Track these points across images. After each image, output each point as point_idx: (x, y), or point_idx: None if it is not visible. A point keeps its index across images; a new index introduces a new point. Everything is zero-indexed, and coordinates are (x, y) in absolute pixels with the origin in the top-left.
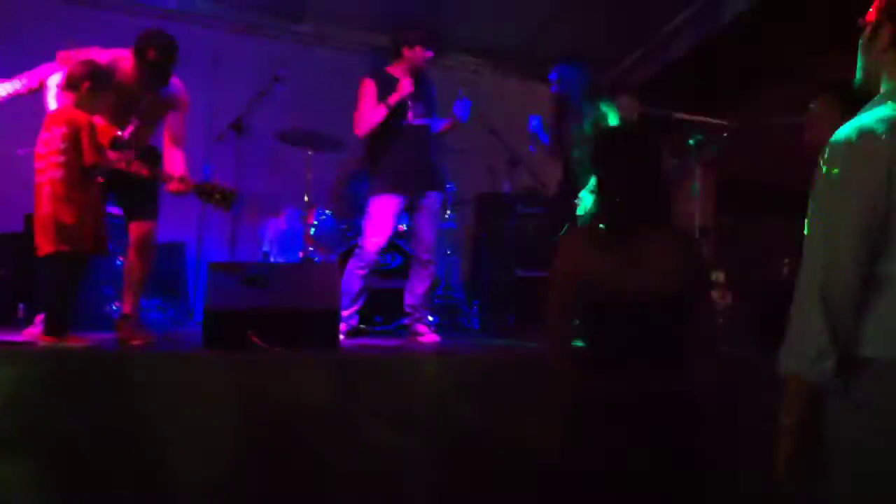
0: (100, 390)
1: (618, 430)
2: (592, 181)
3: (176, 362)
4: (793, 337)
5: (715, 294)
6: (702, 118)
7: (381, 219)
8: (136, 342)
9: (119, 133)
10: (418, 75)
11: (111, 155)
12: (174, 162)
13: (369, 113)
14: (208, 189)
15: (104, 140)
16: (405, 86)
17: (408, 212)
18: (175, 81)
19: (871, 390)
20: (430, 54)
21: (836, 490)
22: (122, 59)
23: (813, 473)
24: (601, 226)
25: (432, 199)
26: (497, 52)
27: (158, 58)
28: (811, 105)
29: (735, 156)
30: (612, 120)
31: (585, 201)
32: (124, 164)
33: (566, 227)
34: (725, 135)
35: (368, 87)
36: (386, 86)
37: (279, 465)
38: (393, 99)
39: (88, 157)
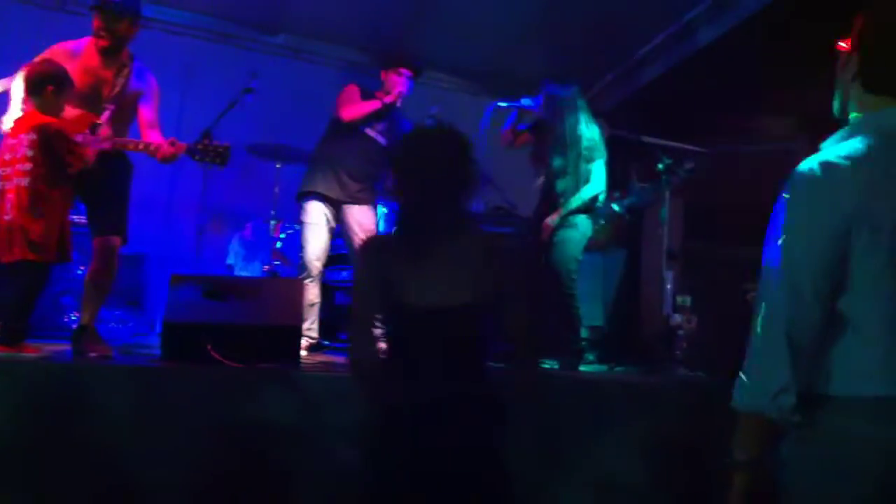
0: (53, 402)
1: (411, 432)
2: (574, 200)
3: (131, 375)
4: (752, 371)
5: (681, 317)
6: (672, 143)
7: (312, 221)
8: (92, 354)
9: (95, 119)
10: (395, 102)
11: (90, 149)
12: (156, 139)
13: (363, 103)
14: (202, 148)
15: (81, 129)
16: (393, 95)
17: (340, 235)
18: (143, 67)
19: (829, 427)
20: (411, 84)
21: None
22: (85, 42)
23: None
24: (398, 231)
25: (364, 213)
26: (470, 71)
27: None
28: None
29: (704, 181)
30: (586, 130)
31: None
32: (109, 145)
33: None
34: (695, 161)
35: (353, 89)
36: (367, 97)
37: (235, 481)
38: (388, 98)
39: (73, 161)
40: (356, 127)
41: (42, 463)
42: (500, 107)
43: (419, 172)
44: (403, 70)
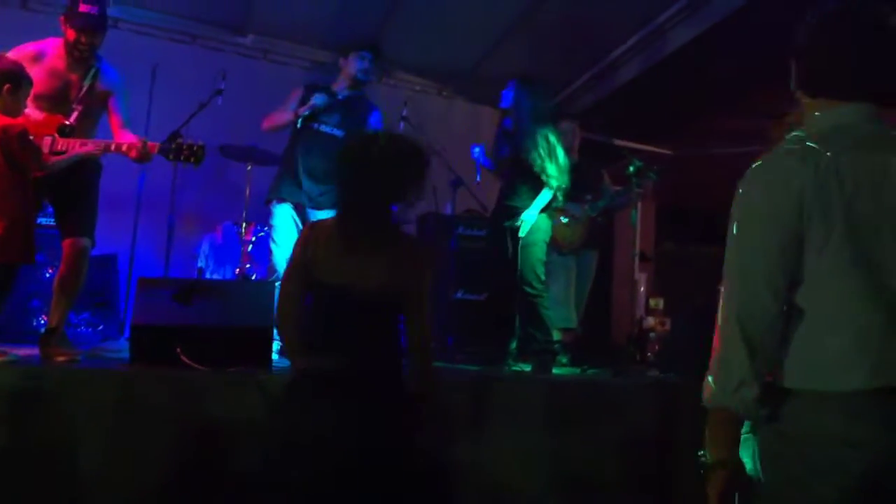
0: (20, 406)
1: (324, 403)
2: (539, 200)
3: (99, 379)
4: (714, 367)
5: (654, 319)
6: (642, 146)
7: (279, 224)
8: (60, 358)
9: (64, 120)
10: (354, 89)
11: (68, 154)
12: (128, 139)
13: (278, 113)
14: (176, 147)
15: (49, 131)
16: (316, 98)
17: None
18: (109, 67)
19: (793, 420)
20: (365, 65)
21: None
22: (51, 44)
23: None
24: (333, 220)
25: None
26: (443, 73)
27: (90, 7)
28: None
29: (676, 184)
30: (553, 143)
31: (527, 222)
32: (89, 149)
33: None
34: (663, 165)
35: (294, 93)
36: (309, 98)
37: (204, 486)
38: (301, 109)
39: (33, 167)
40: (309, 126)
41: (6, 467)
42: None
43: (356, 172)
44: (364, 52)
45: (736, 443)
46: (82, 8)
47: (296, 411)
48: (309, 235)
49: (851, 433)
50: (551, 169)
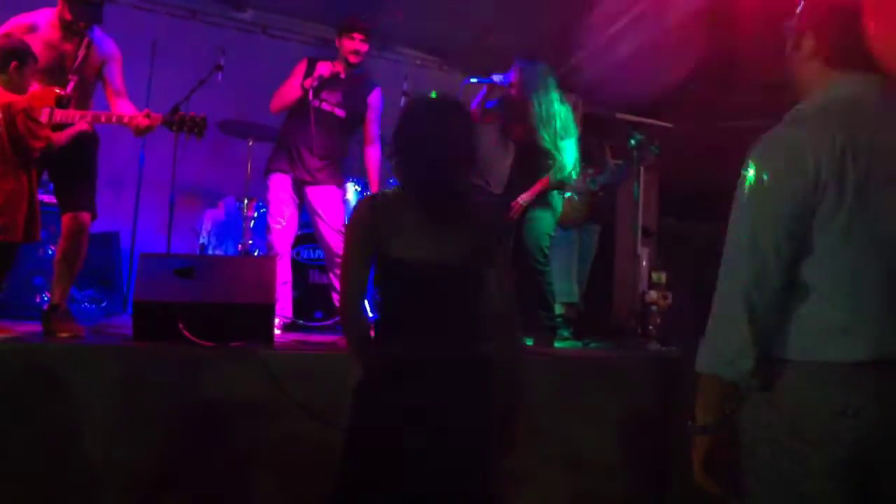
0: (23, 383)
1: (404, 393)
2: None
3: (102, 355)
4: (713, 336)
5: (656, 293)
6: (644, 120)
7: (277, 199)
8: (63, 334)
9: (60, 91)
10: (352, 68)
11: (68, 131)
12: (126, 109)
13: (285, 89)
14: (178, 119)
15: (47, 103)
16: (320, 68)
17: (308, 214)
18: (102, 35)
19: (787, 391)
20: (362, 47)
21: (751, 488)
22: (44, 16)
23: (728, 472)
24: (401, 192)
25: (327, 195)
26: (442, 47)
27: None
28: None
29: (678, 158)
30: (559, 108)
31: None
32: (86, 123)
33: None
34: (662, 138)
35: (299, 66)
36: (314, 71)
37: (207, 461)
38: (308, 81)
39: (36, 143)
40: (309, 102)
41: (11, 444)
42: (471, 82)
43: (429, 140)
44: (355, 34)
45: (725, 411)
46: None
47: (376, 413)
48: (372, 211)
49: (848, 404)
50: (567, 149)
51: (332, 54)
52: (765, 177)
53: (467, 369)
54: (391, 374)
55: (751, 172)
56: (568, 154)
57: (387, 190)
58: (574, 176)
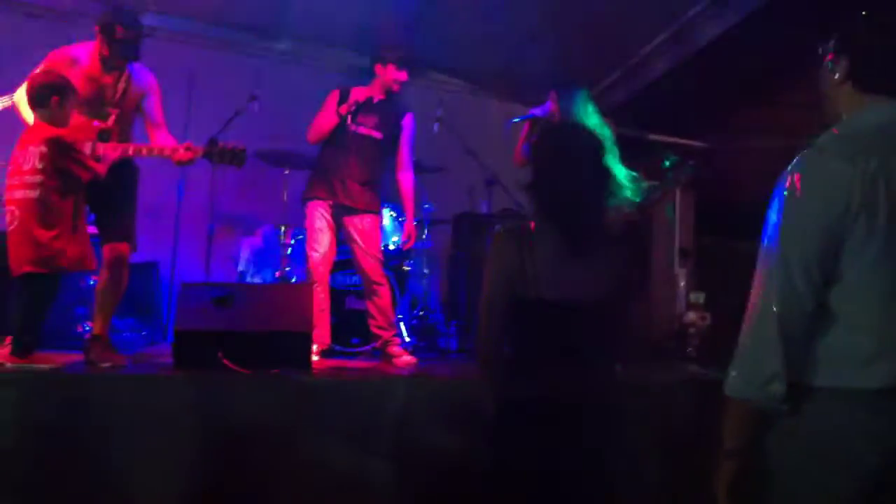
0: (67, 413)
1: (541, 431)
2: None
3: (144, 384)
4: (744, 359)
5: (695, 314)
6: (677, 140)
7: (315, 226)
8: (105, 364)
9: (102, 125)
10: (388, 94)
11: (108, 160)
12: (166, 141)
13: (321, 119)
14: (218, 150)
15: (89, 136)
16: (354, 93)
17: (345, 242)
18: (141, 67)
19: (815, 417)
20: (402, 76)
21: None
22: (85, 49)
23: (753, 498)
24: (538, 224)
25: (364, 221)
26: (475, 72)
27: (126, 34)
28: None
29: (714, 177)
30: (602, 130)
31: None
32: (130, 152)
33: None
34: (697, 158)
35: (331, 97)
36: (348, 98)
37: (249, 488)
38: (343, 108)
39: (82, 175)
40: (345, 127)
41: (55, 474)
42: (514, 122)
43: (568, 167)
44: (399, 64)
45: (753, 435)
46: (118, 33)
47: (512, 457)
48: (512, 243)
49: (873, 429)
50: (618, 169)
51: (363, 82)
52: (795, 203)
53: (606, 410)
54: (529, 416)
55: (783, 197)
56: (620, 174)
57: (526, 222)
58: (631, 194)
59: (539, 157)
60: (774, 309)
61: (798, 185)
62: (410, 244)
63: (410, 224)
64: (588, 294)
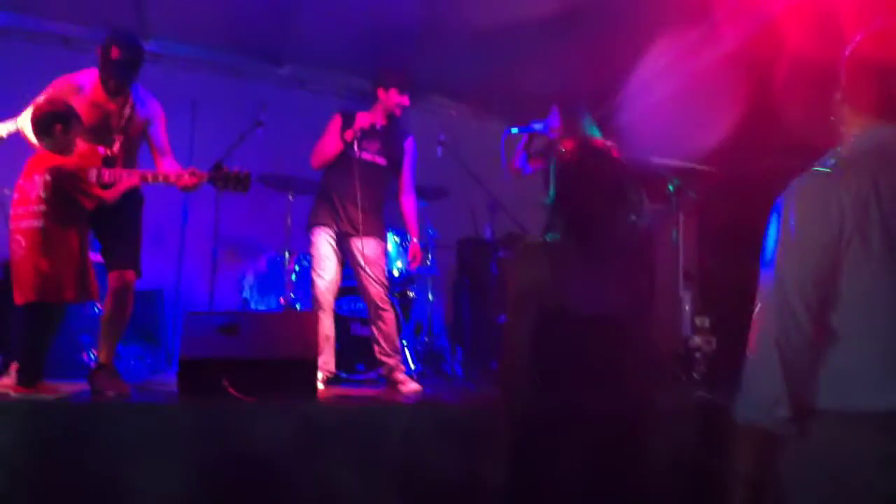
0: (72, 442)
1: (568, 448)
2: None
3: (150, 413)
4: (749, 384)
5: (700, 338)
6: (682, 164)
7: (320, 253)
8: (110, 392)
9: (106, 151)
10: (390, 119)
11: (116, 188)
12: (171, 167)
13: (325, 145)
14: (223, 176)
15: (94, 163)
16: (359, 119)
17: (351, 267)
18: (146, 93)
19: (826, 441)
20: (404, 100)
21: None
22: (89, 76)
23: None
24: (560, 239)
25: (368, 248)
26: (477, 95)
27: (122, 56)
28: None
29: (718, 200)
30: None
31: None
32: (136, 180)
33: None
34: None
35: (334, 122)
36: (352, 123)
37: None
38: (348, 134)
39: (87, 203)
40: (348, 154)
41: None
42: (511, 133)
43: (589, 187)
44: (401, 88)
45: (763, 459)
46: (113, 53)
47: (536, 476)
48: (533, 259)
49: (885, 452)
50: None
51: (363, 106)
52: (791, 226)
53: (629, 427)
54: (552, 436)
55: (777, 220)
56: None
57: (548, 239)
58: None
59: (562, 178)
60: (773, 332)
61: (792, 208)
62: (416, 264)
63: (416, 245)
64: (608, 310)
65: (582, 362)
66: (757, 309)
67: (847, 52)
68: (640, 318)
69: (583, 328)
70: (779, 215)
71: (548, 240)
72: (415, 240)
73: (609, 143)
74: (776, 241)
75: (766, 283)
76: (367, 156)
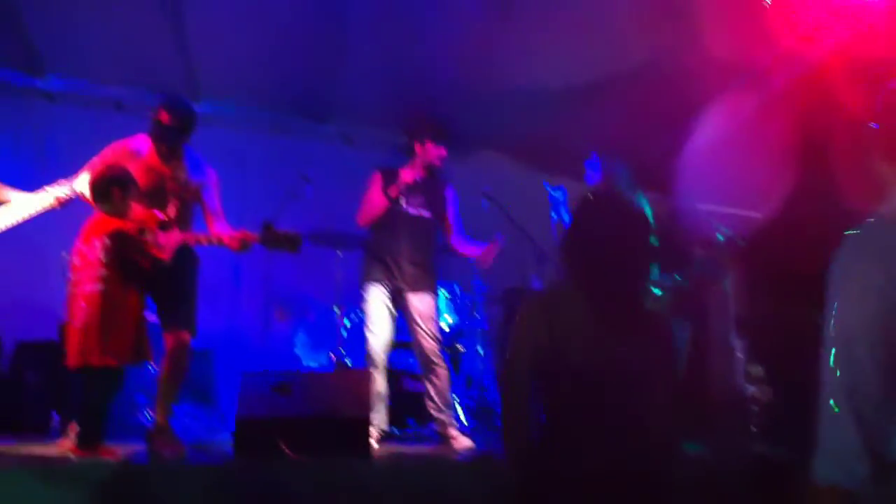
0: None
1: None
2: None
3: (206, 474)
4: (825, 444)
5: (754, 388)
6: (728, 209)
7: (374, 309)
8: (167, 453)
9: (163, 215)
10: (431, 171)
11: (168, 249)
12: (224, 229)
13: (371, 203)
14: (273, 236)
15: (150, 227)
16: (403, 175)
17: (404, 322)
18: (200, 158)
19: None
20: (442, 151)
21: None
22: (145, 141)
23: None
24: (570, 294)
25: (421, 303)
26: (522, 147)
27: (172, 120)
28: None
29: (768, 246)
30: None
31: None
32: (191, 241)
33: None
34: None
35: (375, 180)
36: (393, 179)
37: None
38: (393, 190)
39: (145, 265)
40: (396, 210)
41: None
42: (553, 195)
43: (608, 241)
44: (441, 140)
45: None
46: (164, 118)
47: None
48: (539, 314)
49: None
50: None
51: (402, 162)
52: (850, 279)
53: (650, 483)
54: (557, 491)
55: (837, 274)
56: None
57: (555, 293)
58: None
59: (579, 226)
60: (844, 389)
61: (850, 257)
62: (489, 259)
63: (478, 250)
64: (616, 369)
65: (590, 417)
66: (826, 363)
67: (881, 102)
68: (659, 372)
69: (587, 382)
70: (839, 268)
71: (553, 291)
72: (476, 250)
73: (650, 195)
74: (836, 293)
75: (830, 337)
76: (412, 210)
